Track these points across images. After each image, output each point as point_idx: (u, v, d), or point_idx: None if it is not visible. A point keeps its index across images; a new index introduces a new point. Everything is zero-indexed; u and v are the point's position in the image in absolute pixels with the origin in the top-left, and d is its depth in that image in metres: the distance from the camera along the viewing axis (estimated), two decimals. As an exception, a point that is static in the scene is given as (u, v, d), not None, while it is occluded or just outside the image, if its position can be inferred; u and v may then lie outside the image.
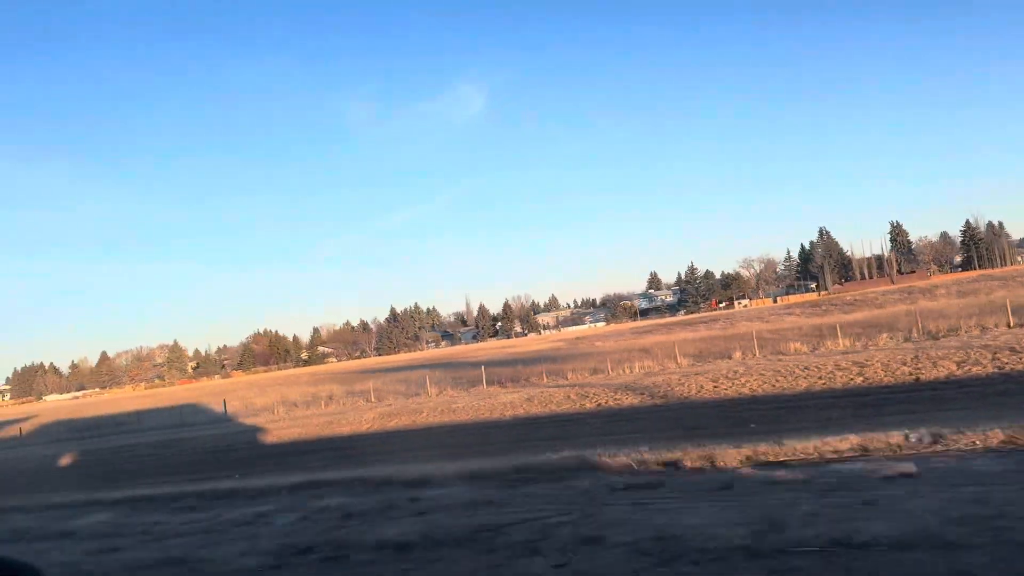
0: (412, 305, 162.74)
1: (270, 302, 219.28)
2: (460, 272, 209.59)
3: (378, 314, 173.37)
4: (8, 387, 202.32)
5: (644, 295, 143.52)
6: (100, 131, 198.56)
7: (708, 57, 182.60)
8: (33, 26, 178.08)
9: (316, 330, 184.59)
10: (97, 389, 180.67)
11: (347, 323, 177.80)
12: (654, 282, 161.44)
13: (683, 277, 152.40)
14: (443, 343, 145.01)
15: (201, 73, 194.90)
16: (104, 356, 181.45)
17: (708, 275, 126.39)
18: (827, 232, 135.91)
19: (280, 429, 24.25)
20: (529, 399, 21.26)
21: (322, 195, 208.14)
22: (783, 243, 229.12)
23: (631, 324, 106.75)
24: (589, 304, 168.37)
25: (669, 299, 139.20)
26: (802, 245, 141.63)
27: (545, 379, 26.08)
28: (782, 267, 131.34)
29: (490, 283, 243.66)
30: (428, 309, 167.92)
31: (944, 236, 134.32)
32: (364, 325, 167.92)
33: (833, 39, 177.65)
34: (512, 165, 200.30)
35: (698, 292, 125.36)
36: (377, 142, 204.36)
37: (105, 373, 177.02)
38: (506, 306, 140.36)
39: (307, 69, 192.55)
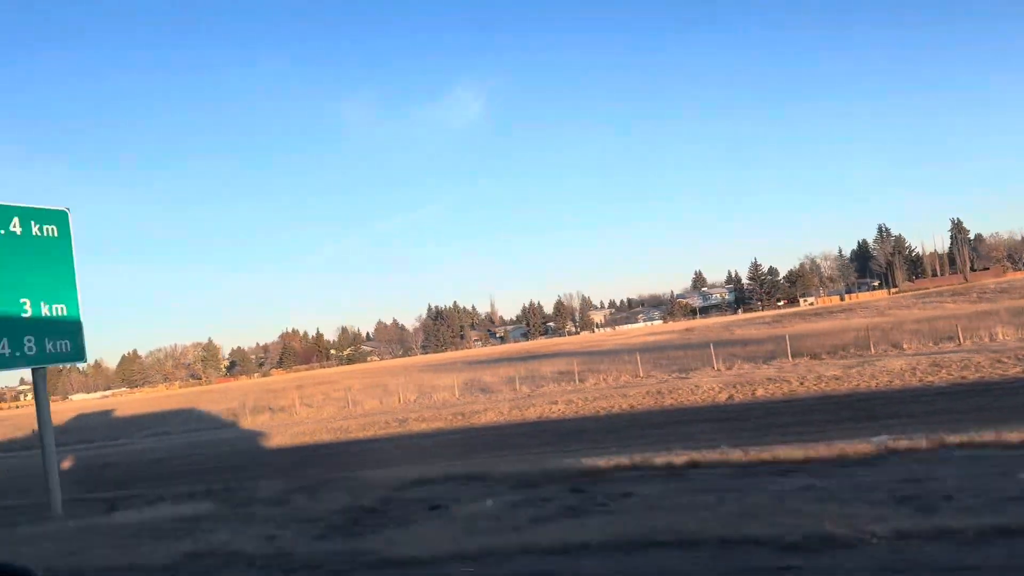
0: (451, 304, 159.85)
1: (269, 306, 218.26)
2: (466, 274, 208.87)
3: (389, 316, 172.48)
4: (26, 387, 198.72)
5: (700, 293, 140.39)
6: (96, 134, 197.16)
7: (722, 59, 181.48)
8: (30, 28, 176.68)
9: (344, 329, 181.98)
10: (124, 388, 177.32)
11: (380, 322, 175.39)
12: (699, 281, 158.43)
13: (732, 275, 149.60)
14: (492, 341, 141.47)
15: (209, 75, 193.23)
16: (134, 354, 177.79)
17: (772, 272, 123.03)
18: (887, 229, 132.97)
19: (588, 404, 20.90)
20: (935, 365, 17.90)
21: (321, 198, 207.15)
22: (816, 242, 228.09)
23: (725, 318, 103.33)
24: (613, 305, 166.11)
25: (726, 297, 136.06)
26: (858, 242, 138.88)
27: (874, 351, 22.67)
28: (832, 265, 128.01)
29: (497, 286, 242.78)
30: (465, 308, 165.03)
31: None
32: (396, 324, 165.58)
33: (856, 40, 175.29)
34: (515, 168, 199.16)
35: (763, 289, 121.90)
36: (376, 146, 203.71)
37: (137, 372, 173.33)
38: (559, 304, 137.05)
39: (306, 72, 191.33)
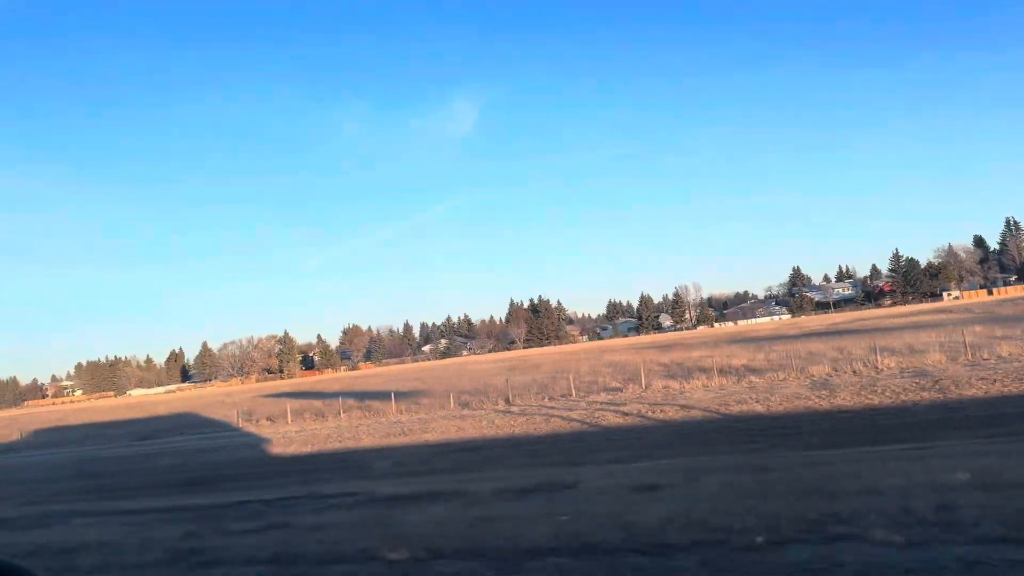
0: (537, 298, 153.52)
1: (276, 308, 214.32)
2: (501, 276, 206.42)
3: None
4: (70, 382, 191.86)
5: (819, 288, 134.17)
6: (93, 139, 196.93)
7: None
8: (28, 29, 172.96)
9: (429, 324, 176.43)
10: (184, 384, 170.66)
11: (465, 316, 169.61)
12: (798, 277, 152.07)
13: (844, 270, 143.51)
14: (602, 335, 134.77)
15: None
16: (205, 348, 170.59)
17: (912, 263, 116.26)
18: (1016, 222, 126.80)
19: None
20: None
21: (317, 204, 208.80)
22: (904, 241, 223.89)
23: (856, 313, 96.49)
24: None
25: (847, 292, 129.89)
26: (974, 237, 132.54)
27: None
28: (972, 258, 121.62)
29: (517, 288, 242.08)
30: (548, 303, 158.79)
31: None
32: (466, 319, 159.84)
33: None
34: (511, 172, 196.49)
35: (906, 281, 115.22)
36: (378, 150, 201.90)
37: (207, 366, 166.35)
38: (675, 296, 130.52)
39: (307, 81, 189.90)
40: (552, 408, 22.53)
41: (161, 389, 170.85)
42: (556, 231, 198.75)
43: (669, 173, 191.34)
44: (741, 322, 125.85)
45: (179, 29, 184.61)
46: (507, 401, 25.58)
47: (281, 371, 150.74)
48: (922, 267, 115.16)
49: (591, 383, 27.98)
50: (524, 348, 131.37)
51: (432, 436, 20.56)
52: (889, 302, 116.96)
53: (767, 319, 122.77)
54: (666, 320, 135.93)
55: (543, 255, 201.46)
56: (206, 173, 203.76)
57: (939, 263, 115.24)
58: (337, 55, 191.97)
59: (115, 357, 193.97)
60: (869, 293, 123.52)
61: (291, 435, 24.32)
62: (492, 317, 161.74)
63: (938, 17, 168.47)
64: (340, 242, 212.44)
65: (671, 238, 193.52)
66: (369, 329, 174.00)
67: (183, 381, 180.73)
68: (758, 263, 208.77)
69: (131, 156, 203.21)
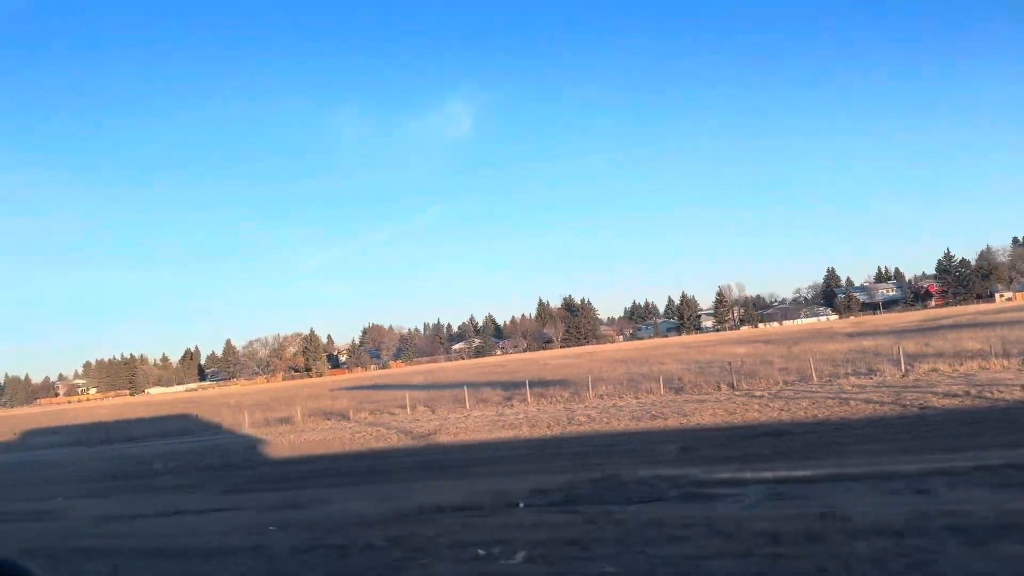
0: (568, 298, 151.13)
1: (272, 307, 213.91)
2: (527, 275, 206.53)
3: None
4: (82, 380, 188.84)
5: (864, 290, 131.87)
6: (92, 141, 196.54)
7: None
8: (26, 30, 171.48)
9: (444, 324, 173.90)
10: (204, 383, 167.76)
11: (489, 316, 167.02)
12: (832, 278, 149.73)
13: (883, 272, 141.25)
14: (639, 334, 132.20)
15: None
16: (229, 346, 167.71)
17: (964, 263, 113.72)
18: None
19: None
20: None
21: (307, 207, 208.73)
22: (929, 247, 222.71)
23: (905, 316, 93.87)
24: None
25: (892, 293, 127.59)
26: (1014, 239, 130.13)
27: None
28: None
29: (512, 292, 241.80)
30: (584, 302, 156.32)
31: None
32: (491, 319, 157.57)
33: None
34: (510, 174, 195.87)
35: (958, 282, 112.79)
36: (376, 153, 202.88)
37: (233, 363, 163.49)
38: (718, 296, 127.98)
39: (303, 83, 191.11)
40: (812, 392, 20.01)
41: (181, 388, 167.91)
42: (557, 232, 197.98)
43: (672, 175, 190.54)
44: (786, 322, 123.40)
45: (180, 34, 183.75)
46: (731, 386, 23.04)
47: (308, 370, 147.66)
48: (972, 267, 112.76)
49: (816, 370, 25.40)
50: (561, 347, 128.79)
51: (699, 420, 18.05)
52: (937, 303, 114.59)
53: (813, 319, 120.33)
54: (707, 320, 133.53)
55: (545, 256, 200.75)
56: (207, 174, 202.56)
57: (988, 264, 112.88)
58: (335, 60, 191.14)
59: (130, 355, 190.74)
60: (916, 294, 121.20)
61: (498, 420, 21.76)
62: (514, 317, 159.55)
63: (962, 19, 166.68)
64: (339, 243, 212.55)
65: (678, 240, 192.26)
66: (390, 328, 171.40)
67: (201, 380, 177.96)
68: (774, 266, 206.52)
69: (129, 156, 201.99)
